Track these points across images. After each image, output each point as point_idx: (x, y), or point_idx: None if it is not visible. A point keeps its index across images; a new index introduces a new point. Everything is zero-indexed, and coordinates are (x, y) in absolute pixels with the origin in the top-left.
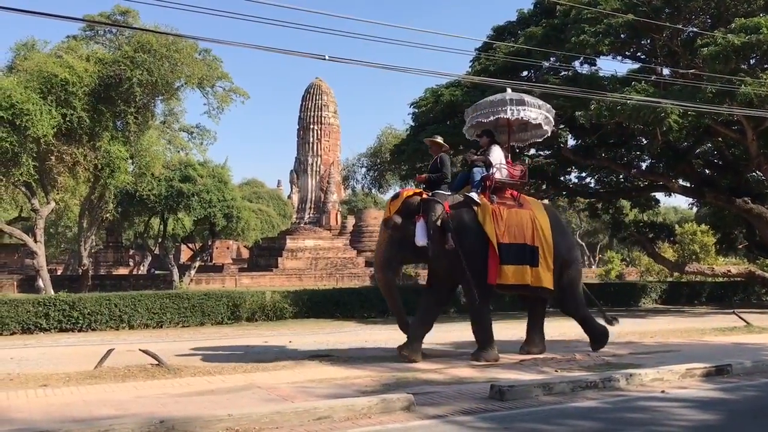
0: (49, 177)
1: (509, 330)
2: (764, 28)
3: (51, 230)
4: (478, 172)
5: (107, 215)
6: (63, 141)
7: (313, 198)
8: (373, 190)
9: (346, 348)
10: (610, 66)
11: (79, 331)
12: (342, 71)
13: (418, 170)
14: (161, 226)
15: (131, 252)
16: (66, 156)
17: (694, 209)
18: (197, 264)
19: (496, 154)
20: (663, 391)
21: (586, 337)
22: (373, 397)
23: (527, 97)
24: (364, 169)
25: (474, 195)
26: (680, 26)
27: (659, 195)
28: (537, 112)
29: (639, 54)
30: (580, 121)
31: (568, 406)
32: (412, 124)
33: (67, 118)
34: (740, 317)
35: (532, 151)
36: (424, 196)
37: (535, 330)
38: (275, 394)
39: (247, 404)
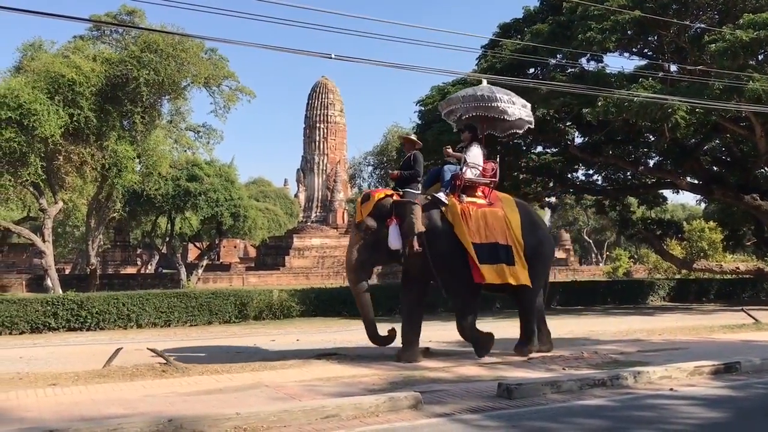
0: (57, 177)
1: (516, 329)
2: None
3: (59, 230)
4: (448, 171)
5: (115, 214)
6: (70, 141)
7: (320, 197)
8: None
9: (354, 346)
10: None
11: (88, 330)
12: (348, 70)
13: (424, 168)
14: (169, 225)
15: (139, 251)
16: (73, 156)
17: (702, 206)
18: (205, 263)
19: (473, 153)
20: (671, 389)
21: (594, 335)
22: (381, 396)
23: (498, 91)
24: (370, 168)
25: (441, 195)
26: (688, 22)
27: (667, 192)
28: (510, 107)
29: (646, 51)
30: (587, 119)
31: (575, 404)
32: (419, 122)
33: (75, 118)
34: (749, 314)
35: (539, 149)
36: (395, 197)
37: (539, 328)
38: (283, 393)
39: (254, 403)
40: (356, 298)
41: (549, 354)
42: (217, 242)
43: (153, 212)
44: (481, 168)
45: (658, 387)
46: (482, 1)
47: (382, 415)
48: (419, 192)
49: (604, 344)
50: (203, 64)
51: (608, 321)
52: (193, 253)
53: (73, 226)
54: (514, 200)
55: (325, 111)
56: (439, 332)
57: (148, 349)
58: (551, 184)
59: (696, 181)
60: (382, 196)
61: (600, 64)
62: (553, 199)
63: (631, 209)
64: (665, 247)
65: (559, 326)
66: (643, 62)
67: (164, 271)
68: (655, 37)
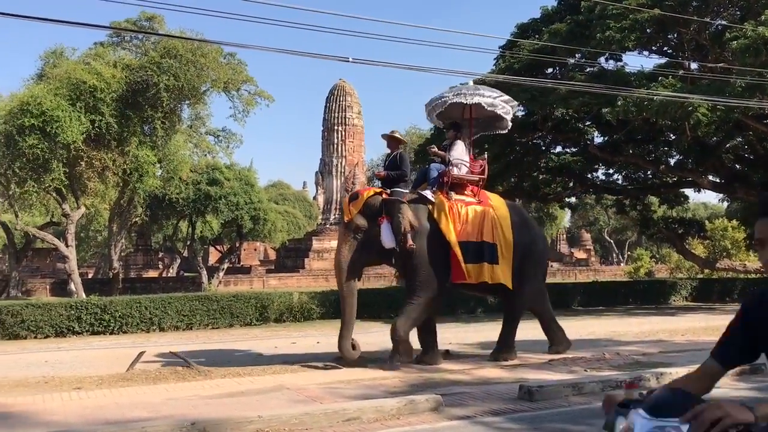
0: (79, 182)
1: (536, 330)
2: None
3: (81, 234)
4: (434, 169)
5: (136, 219)
6: (92, 146)
7: (339, 199)
8: None
9: (374, 350)
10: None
11: (111, 333)
12: (366, 72)
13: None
14: (189, 229)
15: (160, 255)
16: (95, 161)
17: (725, 204)
18: (225, 266)
19: (457, 150)
20: None
21: (616, 336)
22: (402, 398)
23: (481, 87)
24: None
25: (428, 193)
26: (708, 19)
27: (688, 191)
28: (493, 99)
29: (666, 49)
30: (607, 118)
31: (597, 406)
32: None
33: (96, 124)
34: None
35: (559, 149)
36: (384, 195)
37: (550, 329)
38: (304, 395)
39: (276, 405)
40: (342, 299)
41: (570, 355)
42: (237, 245)
43: (174, 216)
44: (467, 164)
45: None
46: (500, 2)
47: (403, 418)
48: (407, 191)
49: (625, 345)
50: (222, 69)
51: (630, 321)
52: (213, 256)
53: (96, 231)
54: (505, 201)
55: (343, 113)
56: (460, 334)
57: (170, 352)
58: (571, 184)
59: (718, 180)
60: (371, 194)
61: (619, 63)
62: (573, 199)
63: (652, 209)
64: (687, 246)
65: (581, 327)
66: (663, 60)
67: (186, 274)
68: (675, 35)
